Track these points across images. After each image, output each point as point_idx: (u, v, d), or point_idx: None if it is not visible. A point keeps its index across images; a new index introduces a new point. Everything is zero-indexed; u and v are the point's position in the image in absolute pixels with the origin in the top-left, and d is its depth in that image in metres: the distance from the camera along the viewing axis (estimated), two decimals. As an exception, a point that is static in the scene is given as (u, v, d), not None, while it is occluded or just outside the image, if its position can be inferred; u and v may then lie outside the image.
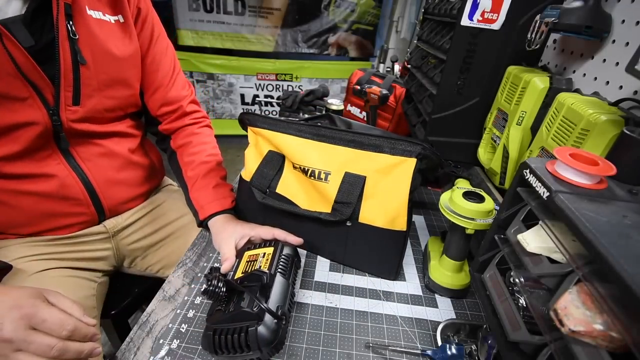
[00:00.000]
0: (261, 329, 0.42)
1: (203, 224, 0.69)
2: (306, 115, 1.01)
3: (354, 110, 1.19)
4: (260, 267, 0.51)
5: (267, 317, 0.43)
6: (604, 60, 0.57)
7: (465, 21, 0.63)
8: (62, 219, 0.66)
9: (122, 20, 0.64)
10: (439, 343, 0.49)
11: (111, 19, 0.63)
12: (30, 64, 0.52)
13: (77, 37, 0.57)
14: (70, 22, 0.56)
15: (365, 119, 1.15)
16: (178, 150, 0.78)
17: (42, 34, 0.54)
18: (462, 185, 0.58)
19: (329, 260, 0.65)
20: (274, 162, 0.64)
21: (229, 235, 0.61)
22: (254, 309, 0.43)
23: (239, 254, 0.57)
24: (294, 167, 0.62)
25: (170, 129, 0.79)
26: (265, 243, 0.58)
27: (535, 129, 0.58)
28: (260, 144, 0.66)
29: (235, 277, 0.50)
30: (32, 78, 0.54)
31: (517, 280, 0.36)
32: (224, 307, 0.46)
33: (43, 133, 0.58)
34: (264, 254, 0.54)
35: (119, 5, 0.64)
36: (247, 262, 0.53)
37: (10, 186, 0.59)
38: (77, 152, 0.64)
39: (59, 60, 0.56)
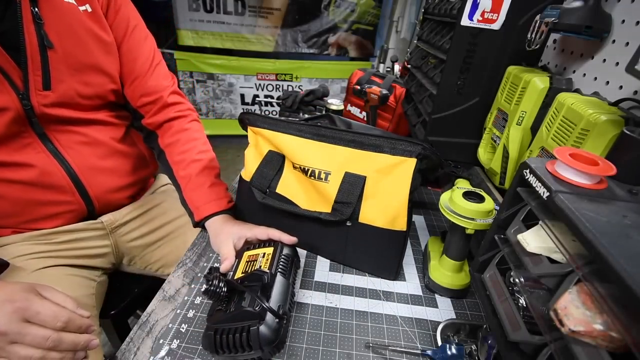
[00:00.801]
0: (263, 328, 0.42)
1: (199, 224, 0.68)
2: (306, 116, 1.01)
3: (354, 110, 1.19)
4: (260, 267, 0.51)
5: (269, 317, 0.43)
6: (604, 60, 0.57)
7: (465, 21, 0.63)
8: (48, 207, 0.65)
9: (89, 9, 0.63)
10: (439, 343, 0.49)
11: (80, 7, 0.62)
12: None
13: (43, 21, 0.57)
14: (36, 9, 0.56)
15: (365, 119, 1.15)
16: (167, 150, 0.74)
17: (3, 19, 0.54)
18: (462, 185, 0.59)
19: (329, 260, 0.65)
20: (274, 162, 0.64)
21: (227, 236, 0.61)
22: (256, 309, 0.43)
23: (238, 255, 0.57)
24: (294, 167, 0.62)
25: (153, 122, 0.75)
26: (264, 243, 0.58)
27: (535, 129, 0.58)
28: (260, 144, 0.66)
29: (235, 277, 0.50)
30: None
31: (517, 280, 0.36)
32: (224, 307, 0.46)
33: (16, 119, 0.58)
34: (264, 254, 0.54)
35: None
36: (247, 262, 0.53)
37: None
38: (58, 140, 0.64)
39: (25, 44, 0.56)
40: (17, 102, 0.57)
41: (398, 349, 0.49)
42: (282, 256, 0.54)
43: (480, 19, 0.62)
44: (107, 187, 0.71)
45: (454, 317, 0.55)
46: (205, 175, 0.71)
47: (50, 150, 0.63)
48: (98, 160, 0.69)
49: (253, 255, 0.55)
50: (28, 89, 0.58)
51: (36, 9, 0.56)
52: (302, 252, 0.66)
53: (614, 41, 0.56)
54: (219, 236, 0.62)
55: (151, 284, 0.82)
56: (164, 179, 0.91)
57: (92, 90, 0.66)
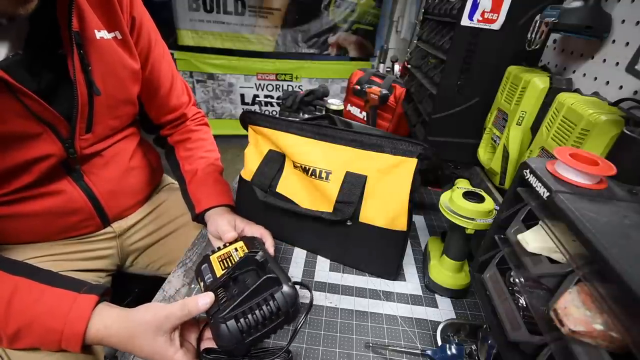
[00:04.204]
0: (285, 289, 0.46)
1: (199, 217, 0.68)
2: (306, 116, 1.01)
3: (354, 110, 1.19)
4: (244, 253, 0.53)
5: (283, 280, 0.47)
6: (604, 60, 0.57)
7: (465, 21, 0.63)
8: (69, 232, 0.66)
9: (119, 36, 0.60)
10: (439, 343, 0.49)
11: (109, 35, 0.59)
12: (40, 105, 0.50)
13: (91, 67, 0.55)
14: (82, 51, 0.53)
15: (365, 119, 1.15)
16: (176, 145, 0.78)
17: (48, 69, 0.52)
18: (462, 185, 0.58)
19: (329, 260, 0.65)
20: (275, 162, 0.64)
21: (226, 221, 0.62)
22: (271, 276, 0.47)
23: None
24: (295, 167, 0.62)
25: (172, 133, 0.80)
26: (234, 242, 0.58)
27: (535, 129, 0.58)
28: (260, 143, 0.66)
29: (219, 275, 0.50)
30: (43, 117, 0.51)
31: (517, 280, 0.36)
32: (226, 295, 0.46)
33: (58, 163, 0.57)
34: (236, 248, 0.56)
35: (114, 20, 0.59)
36: (221, 261, 0.54)
37: (21, 209, 0.58)
38: (81, 168, 0.63)
39: (77, 98, 0.54)
40: (61, 150, 0.56)
41: (398, 349, 0.49)
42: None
43: (480, 19, 0.62)
44: (123, 207, 0.72)
45: (454, 317, 0.55)
46: (211, 171, 0.73)
47: (75, 179, 0.62)
48: (116, 183, 0.69)
49: (224, 253, 0.55)
50: (73, 137, 0.56)
51: (81, 51, 0.53)
52: (302, 252, 0.66)
53: (614, 41, 0.56)
54: (217, 222, 0.62)
55: (152, 284, 0.81)
56: (166, 178, 0.92)
57: (121, 121, 0.67)
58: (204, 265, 0.53)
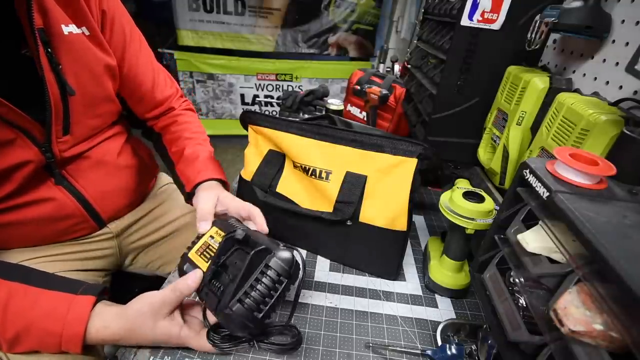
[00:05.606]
0: (280, 253, 0.44)
1: (191, 196, 0.65)
2: (306, 116, 1.01)
3: (354, 111, 1.19)
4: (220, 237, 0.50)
5: (274, 247, 0.45)
6: (604, 60, 0.57)
7: (465, 21, 0.63)
8: (63, 236, 0.65)
9: (87, 32, 0.56)
10: (439, 343, 0.49)
11: (78, 30, 0.55)
12: (7, 108, 0.47)
13: (61, 65, 0.51)
14: (49, 49, 0.50)
15: (365, 119, 1.15)
16: (162, 131, 0.76)
17: (16, 72, 0.50)
18: (462, 185, 0.59)
19: (329, 260, 0.65)
20: (275, 162, 0.64)
21: (209, 196, 0.58)
22: (258, 249, 0.44)
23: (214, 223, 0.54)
24: (295, 166, 0.62)
25: (159, 123, 0.77)
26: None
27: (535, 129, 0.58)
28: (260, 143, 0.66)
29: (206, 269, 0.48)
30: (14, 122, 0.49)
31: (517, 280, 0.36)
32: (222, 285, 0.45)
33: (38, 169, 0.55)
34: (211, 236, 0.52)
35: (80, 14, 0.55)
36: (201, 253, 0.51)
37: (9, 218, 0.56)
38: (68, 172, 0.61)
39: (49, 100, 0.51)
40: (39, 155, 0.53)
41: (398, 349, 0.49)
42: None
43: (480, 19, 0.62)
44: (117, 207, 0.71)
45: (454, 317, 0.55)
46: (199, 150, 0.70)
47: (64, 184, 0.60)
48: (106, 184, 0.67)
49: (202, 245, 0.52)
50: (50, 141, 0.54)
51: (49, 50, 0.50)
52: (302, 252, 0.66)
53: (614, 41, 0.56)
54: (200, 196, 0.58)
55: (152, 284, 0.82)
56: (164, 178, 0.91)
57: (102, 120, 0.64)
58: (185, 265, 0.50)
